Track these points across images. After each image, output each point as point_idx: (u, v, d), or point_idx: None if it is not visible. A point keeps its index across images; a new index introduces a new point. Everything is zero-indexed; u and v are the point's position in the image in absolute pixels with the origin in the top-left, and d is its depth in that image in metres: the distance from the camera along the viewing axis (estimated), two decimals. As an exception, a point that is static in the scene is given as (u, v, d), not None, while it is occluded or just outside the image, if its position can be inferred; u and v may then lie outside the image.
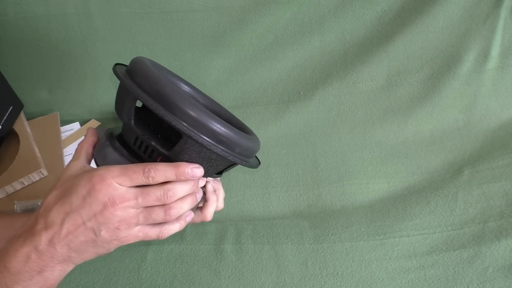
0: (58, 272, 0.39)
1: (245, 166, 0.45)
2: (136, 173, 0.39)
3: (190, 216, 0.44)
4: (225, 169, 0.47)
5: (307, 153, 0.83)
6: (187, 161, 0.41)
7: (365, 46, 0.85)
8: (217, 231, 0.68)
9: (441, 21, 0.81)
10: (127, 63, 0.46)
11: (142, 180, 0.39)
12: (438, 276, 0.60)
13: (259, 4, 0.81)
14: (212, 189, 0.50)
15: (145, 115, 0.46)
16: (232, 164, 0.45)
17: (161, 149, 0.41)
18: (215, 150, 0.40)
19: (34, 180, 0.74)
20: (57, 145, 0.81)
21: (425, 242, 0.64)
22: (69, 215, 0.38)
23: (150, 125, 0.47)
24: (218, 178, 0.52)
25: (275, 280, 0.61)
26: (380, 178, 0.78)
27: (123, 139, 0.46)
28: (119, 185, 0.38)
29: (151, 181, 0.39)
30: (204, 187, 0.48)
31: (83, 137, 0.48)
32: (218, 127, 0.40)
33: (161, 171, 0.39)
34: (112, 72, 0.45)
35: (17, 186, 0.73)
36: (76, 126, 0.87)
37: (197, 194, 0.43)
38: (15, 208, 0.70)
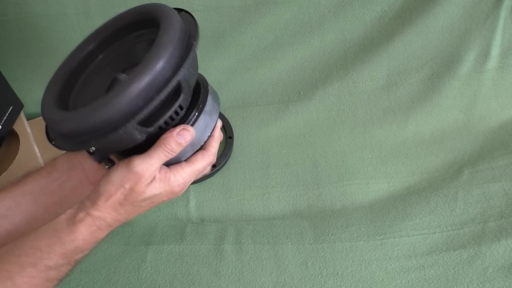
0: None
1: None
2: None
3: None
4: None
5: (307, 153, 0.83)
6: None
7: (365, 46, 0.85)
8: (217, 231, 0.68)
9: (441, 21, 0.81)
10: None
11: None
12: (438, 276, 0.60)
13: (259, 4, 0.81)
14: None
15: None
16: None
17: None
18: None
19: (34, 180, 0.74)
20: (57, 145, 0.81)
21: (425, 242, 0.64)
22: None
23: None
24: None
25: (275, 280, 0.61)
26: (380, 178, 0.78)
27: None
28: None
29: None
30: None
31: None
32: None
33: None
34: None
35: (17, 186, 0.73)
36: (76, 126, 0.87)
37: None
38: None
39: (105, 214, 0.40)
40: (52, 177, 0.46)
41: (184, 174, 0.43)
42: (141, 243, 0.66)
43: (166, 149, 0.40)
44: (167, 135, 0.40)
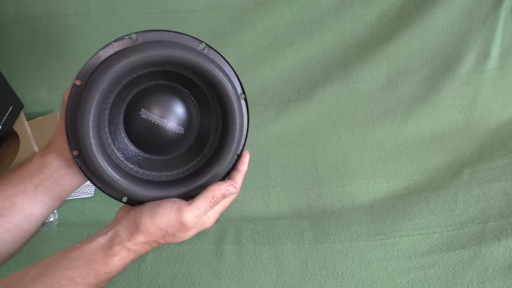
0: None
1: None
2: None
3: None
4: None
5: (307, 153, 0.83)
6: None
7: (365, 46, 0.85)
8: (217, 231, 0.68)
9: (441, 21, 0.81)
10: None
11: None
12: (438, 276, 0.60)
13: (259, 4, 0.81)
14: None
15: None
16: None
17: None
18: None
19: (34, 180, 0.74)
20: (57, 145, 0.81)
21: (425, 242, 0.64)
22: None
23: None
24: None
25: (275, 280, 0.61)
26: (380, 178, 0.78)
27: None
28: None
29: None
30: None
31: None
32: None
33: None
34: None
35: (17, 186, 0.73)
36: (76, 126, 0.87)
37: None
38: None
39: (140, 248, 0.43)
40: (45, 175, 0.46)
41: (215, 213, 0.46)
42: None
43: (213, 200, 0.43)
44: (215, 187, 0.44)
